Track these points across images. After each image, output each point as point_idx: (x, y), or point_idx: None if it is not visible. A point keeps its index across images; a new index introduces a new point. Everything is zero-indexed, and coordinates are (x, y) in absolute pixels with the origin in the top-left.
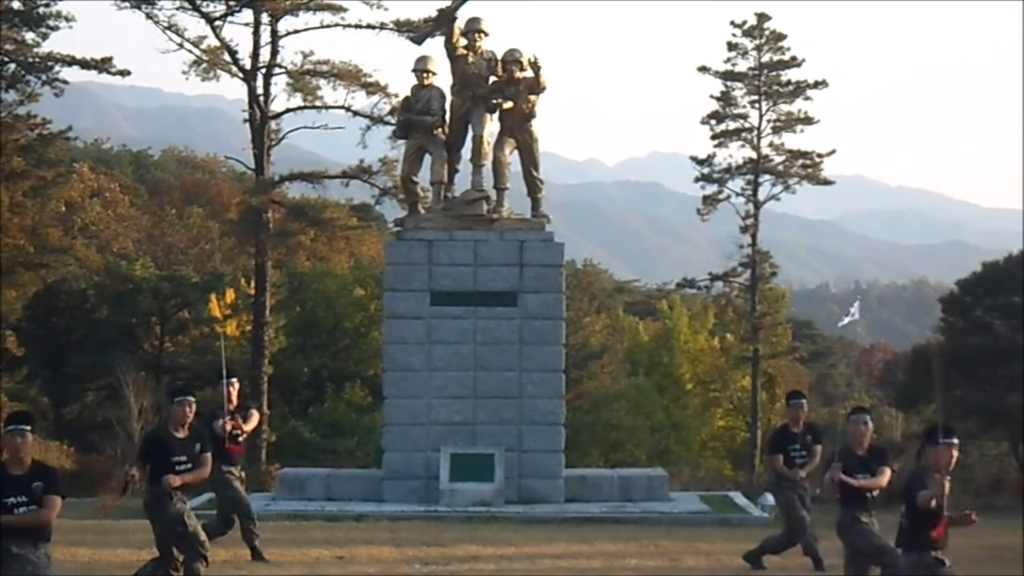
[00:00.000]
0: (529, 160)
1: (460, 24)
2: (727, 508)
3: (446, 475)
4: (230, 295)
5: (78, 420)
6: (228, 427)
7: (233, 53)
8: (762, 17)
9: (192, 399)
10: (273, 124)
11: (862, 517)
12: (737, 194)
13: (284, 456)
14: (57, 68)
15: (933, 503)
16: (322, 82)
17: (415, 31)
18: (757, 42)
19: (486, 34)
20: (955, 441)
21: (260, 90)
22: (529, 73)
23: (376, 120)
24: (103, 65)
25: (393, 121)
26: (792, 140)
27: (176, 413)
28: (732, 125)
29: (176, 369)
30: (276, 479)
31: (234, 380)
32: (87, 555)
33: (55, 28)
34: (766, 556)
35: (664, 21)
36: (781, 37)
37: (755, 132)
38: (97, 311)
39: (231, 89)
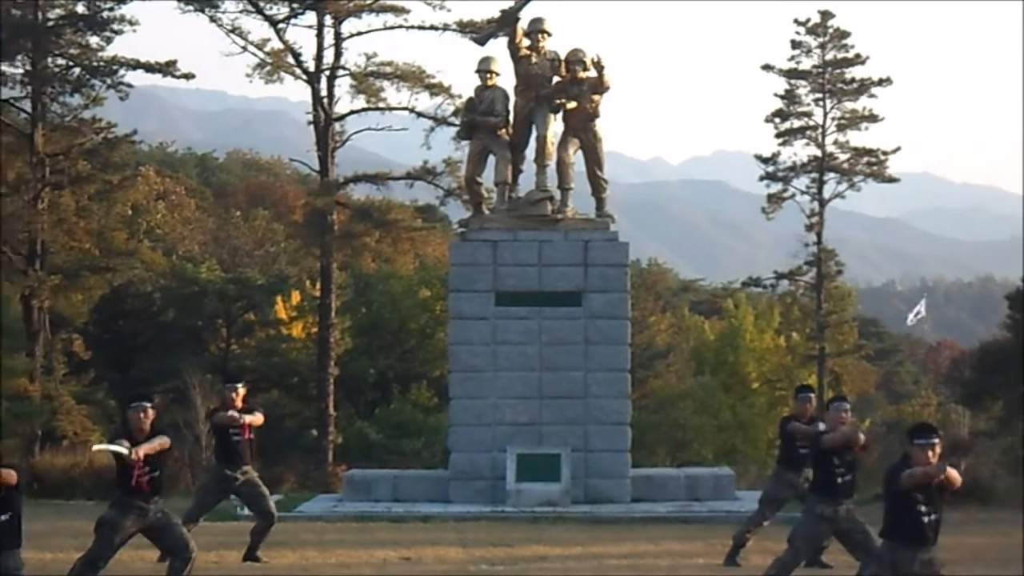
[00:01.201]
0: (593, 160)
1: (523, 25)
2: (794, 507)
3: (512, 475)
4: (295, 297)
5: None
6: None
7: (297, 55)
8: (826, 15)
9: (148, 405)
10: (337, 126)
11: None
12: (802, 192)
13: (351, 457)
14: (122, 72)
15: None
16: (386, 84)
17: (478, 32)
18: (821, 40)
19: (549, 34)
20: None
21: (324, 92)
22: (592, 73)
23: (440, 121)
24: (168, 68)
25: (457, 122)
26: (857, 138)
27: (132, 419)
28: (796, 123)
29: (242, 371)
30: (343, 481)
31: (238, 385)
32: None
33: (119, 32)
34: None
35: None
36: (845, 35)
37: (820, 130)
38: (163, 314)
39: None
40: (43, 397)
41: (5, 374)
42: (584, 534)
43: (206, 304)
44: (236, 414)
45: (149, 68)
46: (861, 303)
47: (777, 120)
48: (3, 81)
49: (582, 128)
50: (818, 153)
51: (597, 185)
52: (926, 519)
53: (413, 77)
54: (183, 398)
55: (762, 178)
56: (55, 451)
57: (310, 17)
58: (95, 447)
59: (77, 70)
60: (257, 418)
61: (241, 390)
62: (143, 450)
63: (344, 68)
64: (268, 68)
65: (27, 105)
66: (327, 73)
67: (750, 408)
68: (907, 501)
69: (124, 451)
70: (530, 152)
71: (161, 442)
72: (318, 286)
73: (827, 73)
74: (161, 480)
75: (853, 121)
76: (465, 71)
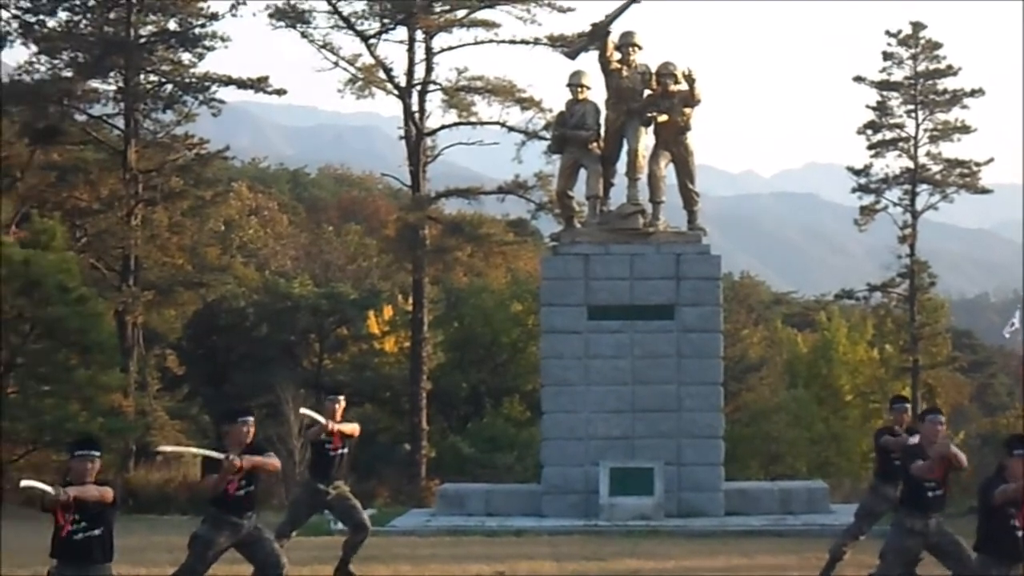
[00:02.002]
0: (685, 173)
1: (614, 38)
2: (889, 520)
3: (605, 489)
4: (388, 311)
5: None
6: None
7: (388, 71)
8: (917, 26)
9: (251, 419)
10: (428, 141)
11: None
12: (894, 204)
13: (443, 472)
14: (214, 88)
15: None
16: (477, 98)
17: (569, 46)
18: (912, 51)
19: (640, 48)
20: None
21: (415, 107)
22: (684, 86)
23: (531, 135)
24: (259, 84)
25: (548, 136)
26: (949, 149)
27: (234, 433)
28: (888, 135)
29: (337, 386)
30: (436, 495)
31: (340, 397)
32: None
33: (211, 48)
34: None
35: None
36: (937, 46)
37: (912, 142)
38: (256, 329)
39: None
40: (137, 412)
41: (100, 390)
42: (678, 548)
43: (299, 319)
44: (327, 421)
45: (241, 84)
46: (954, 315)
47: (869, 132)
48: (96, 98)
49: (673, 141)
50: (910, 165)
51: (689, 198)
52: (1021, 532)
53: (504, 91)
54: (276, 413)
55: (854, 190)
56: (149, 466)
57: (401, 32)
58: (193, 450)
59: (169, 87)
60: (351, 426)
61: (343, 402)
62: (249, 461)
63: (435, 83)
64: (359, 83)
65: (120, 122)
66: (418, 88)
67: (843, 421)
68: (1001, 515)
69: (220, 456)
70: (621, 166)
71: (272, 462)
72: (410, 300)
73: (919, 84)
74: (255, 495)
75: (945, 132)
76: (556, 85)
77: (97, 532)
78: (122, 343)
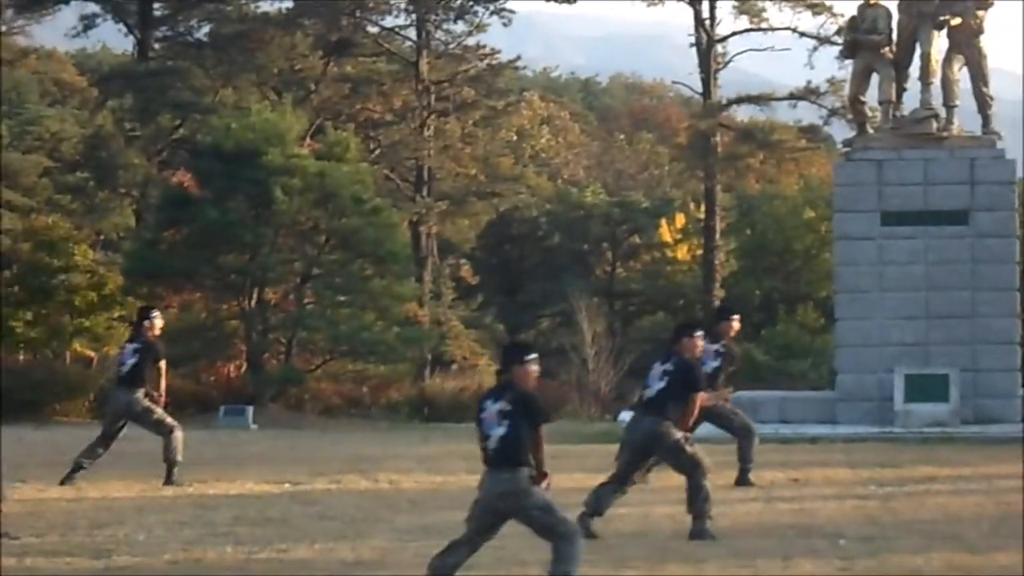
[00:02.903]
0: (978, 76)
1: None
2: None
3: (900, 396)
4: (680, 220)
5: (533, 346)
6: None
7: None
8: None
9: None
10: (719, 48)
11: None
12: None
13: (737, 379)
14: None
15: None
16: (768, 4)
17: None
18: None
19: None
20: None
21: (706, 14)
22: None
23: (823, 40)
24: None
25: (840, 41)
26: None
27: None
28: None
29: (628, 295)
30: (729, 402)
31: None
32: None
33: None
34: None
35: None
36: None
37: None
38: (549, 238)
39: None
40: (432, 322)
41: (395, 300)
42: (973, 455)
43: (591, 228)
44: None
45: None
46: None
47: None
48: (388, 10)
49: (967, 44)
50: None
51: (983, 101)
52: None
53: None
54: (569, 322)
55: None
56: (445, 375)
57: None
58: None
59: None
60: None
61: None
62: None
63: None
64: None
65: (412, 33)
66: None
67: None
68: None
69: None
70: (914, 70)
71: None
72: (702, 208)
73: None
74: None
75: None
76: None
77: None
78: (416, 253)
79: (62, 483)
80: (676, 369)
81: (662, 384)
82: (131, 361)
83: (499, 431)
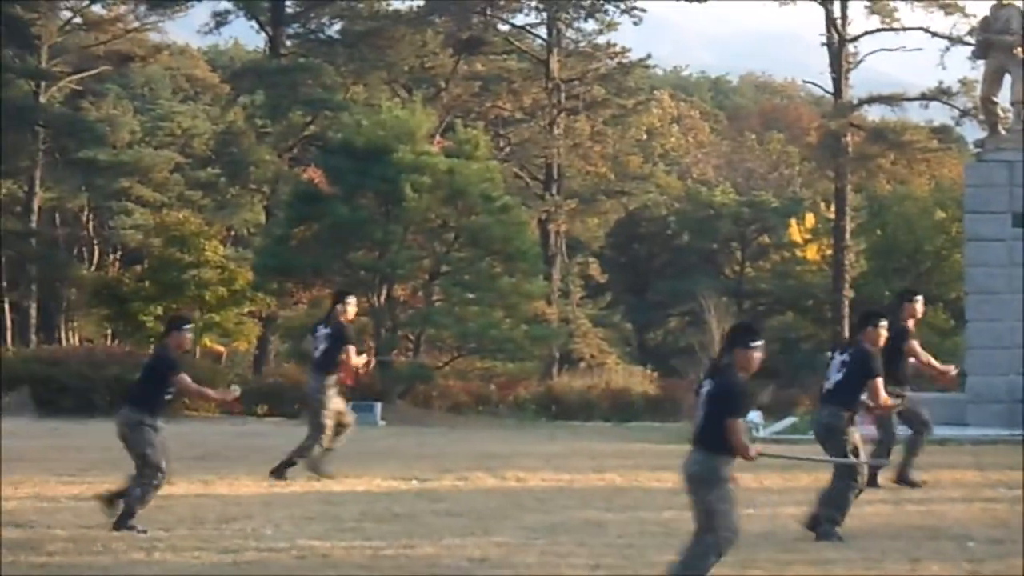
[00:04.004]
0: None
1: None
2: None
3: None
4: (810, 220)
5: (662, 345)
6: None
7: None
8: None
9: None
10: (850, 47)
11: None
12: None
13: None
14: None
15: None
16: (899, 3)
17: None
18: None
19: None
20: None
21: (837, 13)
22: None
23: (955, 40)
24: None
25: (972, 41)
26: None
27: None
28: None
29: (757, 294)
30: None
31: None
32: (671, 478)
33: None
34: None
35: None
36: None
37: None
38: (678, 237)
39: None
40: (560, 320)
41: (524, 297)
42: None
43: (720, 227)
44: None
45: None
46: None
47: None
48: (519, 8)
49: None
50: None
51: None
52: None
53: None
54: (698, 321)
55: None
56: (573, 373)
57: None
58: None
59: None
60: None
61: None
62: None
63: None
64: None
65: (542, 31)
66: None
67: None
68: None
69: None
70: None
71: None
72: (832, 208)
73: None
74: None
75: None
76: None
77: None
78: (545, 251)
79: (320, 475)
80: (853, 359)
81: (839, 376)
82: (323, 346)
83: (700, 412)
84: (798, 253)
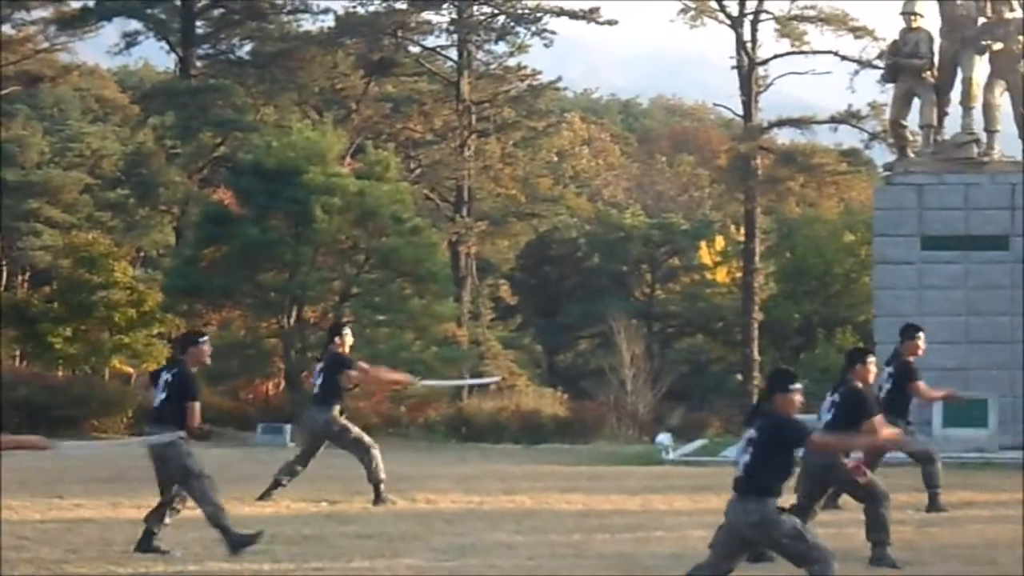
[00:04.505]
0: (1020, 101)
1: None
2: None
3: (939, 421)
4: (720, 242)
5: (572, 367)
6: None
7: (720, 0)
8: None
9: None
10: (760, 70)
11: None
12: None
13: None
14: (546, 19)
15: None
16: (809, 27)
17: None
18: None
19: None
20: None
21: (747, 36)
22: (1019, 13)
23: (864, 64)
24: (591, 15)
25: (881, 65)
26: None
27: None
28: None
29: (667, 316)
30: None
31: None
32: (581, 500)
33: None
34: None
35: None
36: None
37: None
38: (588, 260)
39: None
40: (471, 342)
41: (434, 319)
42: (1013, 481)
43: (630, 249)
44: None
45: (573, 15)
46: None
47: None
48: (430, 30)
49: (1009, 69)
50: None
51: None
52: None
53: (837, 20)
54: (608, 343)
55: None
56: (483, 395)
57: None
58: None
59: (502, 18)
60: None
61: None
62: None
63: (767, 12)
64: (692, 13)
65: (453, 53)
66: (750, 17)
67: None
68: None
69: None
70: (955, 94)
71: None
72: (742, 231)
73: None
74: None
75: None
76: (889, 13)
77: None
78: (456, 273)
79: (260, 499)
80: (843, 400)
81: (828, 417)
82: (319, 381)
83: (744, 458)
84: (708, 275)
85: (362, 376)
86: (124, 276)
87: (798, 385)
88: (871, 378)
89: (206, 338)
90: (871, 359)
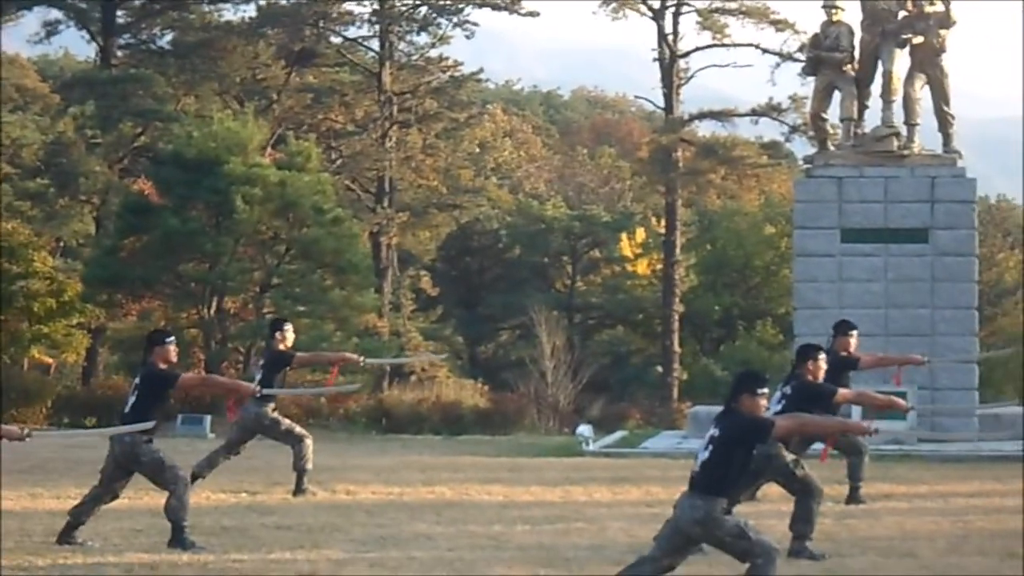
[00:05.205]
0: (940, 95)
1: None
2: None
3: (858, 413)
4: (641, 234)
5: (493, 359)
6: None
7: None
8: None
9: None
10: (682, 63)
11: None
12: None
13: (696, 394)
14: (468, 10)
15: None
16: (731, 20)
17: None
18: None
19: None
20: None
21: (669, 29)
22: (939, 7)
23: (785, 57)
24: (513, 6)
25: (802, 58)
26: None
27: None
28: None
29: (588, 308)
30: (688, 417)
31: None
32: (501, 491)
33: None
34: None
35: None
36: None
37: None
38: (509, 251)
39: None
40: (391, 333)
41: (355, 310)
42: (930, 472)
43: (552, 241)
44: None
45: (495, 7)
46: None
47: None
48: (352, 20)
49: (929, 63)
50: None
51: (944, 120)
52: None
53: (758, 13)
54: (528, 334)
55: None
56: (403, 386)
57: None
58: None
59: (424, 9)
60: None
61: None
62: None
63: (689, 5)
64: (614, 5)
65: (375, 44)
66: (672, 9)
67: None
68: None
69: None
70: (876, 88)
71: None
72: (663, 223)
73: None
74: None
75: None
76: (810, 7)
77: None
78: (377, 264)
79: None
80: (795, 392)
81: (778, 408)
82: (258, 376)
83: (703, 455)
84: (628, 267)
85: (310, 359)
86: (44, 266)
87: (766, 389)
88: (821, 375)
89: (172, 338)
90: (822, 356)
